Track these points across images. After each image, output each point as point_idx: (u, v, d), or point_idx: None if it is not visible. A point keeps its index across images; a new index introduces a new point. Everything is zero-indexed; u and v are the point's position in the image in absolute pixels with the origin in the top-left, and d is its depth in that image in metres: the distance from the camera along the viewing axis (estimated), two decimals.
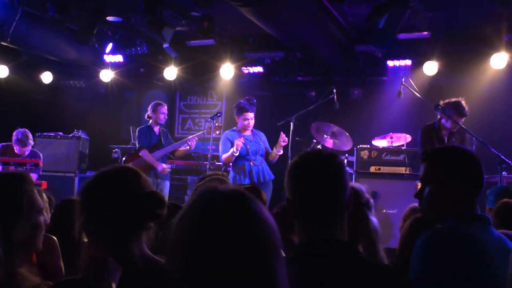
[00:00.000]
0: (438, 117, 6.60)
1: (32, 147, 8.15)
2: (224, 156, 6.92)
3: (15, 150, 7.86)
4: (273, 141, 7.18)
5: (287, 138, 6.84)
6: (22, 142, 7.80)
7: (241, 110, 7.01)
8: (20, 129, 7.88)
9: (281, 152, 6.92)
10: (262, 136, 7.22)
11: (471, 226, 2.38)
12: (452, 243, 2.33)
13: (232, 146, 6.86)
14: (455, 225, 2.44)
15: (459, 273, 2.23)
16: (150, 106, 7.87)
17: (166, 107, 7.90)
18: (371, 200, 3.04)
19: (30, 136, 7.93)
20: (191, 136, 7.65)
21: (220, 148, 7.04)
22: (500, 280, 2.22)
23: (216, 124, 7.39)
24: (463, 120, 6.42)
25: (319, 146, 7.69)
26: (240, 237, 1.30)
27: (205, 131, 7.52)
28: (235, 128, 7.14)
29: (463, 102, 6.39)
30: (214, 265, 1.28)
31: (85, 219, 1.93)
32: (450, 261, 2.27)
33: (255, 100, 7.15)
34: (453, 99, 6.45)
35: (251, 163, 6.94)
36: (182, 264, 1.32)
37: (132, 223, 1.90)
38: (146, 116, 7.88)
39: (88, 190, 1.95)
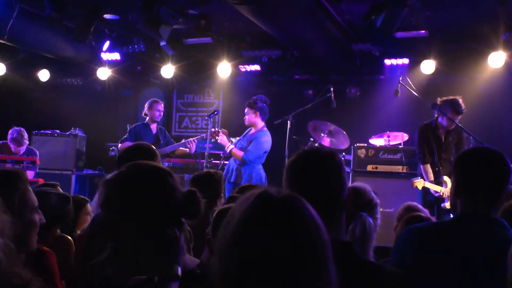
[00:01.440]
0: (435, 115, 6.61)
1: (28, 145, 8.12)
2: None
3: (12, 149, 7.85)
4: (272, 140, 7.22)
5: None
6: (17, 142, 7.79)
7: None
8: (15, 128, 7.86)
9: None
10: (256, 136, 7.19)
11: (455, 225, 2.38)
12: (414, 238, 2.37)
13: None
14: (442, 222, 2.47)
15: (417, 266, 2.29)
16: (146, 103, 7.88)
17: (162, 104, 7.90)
18: (376, 200, 3.02)
19: (26, 135, 7.91)
20: (190, 139, 7.62)
21: None
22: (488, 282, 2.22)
23: (213, 129, 7.38)
24: (459, 118, 6.43)
25: (316, 145, 7.68)
26: (296, 241, 1.31)
27: (204, 135, 7.50)
28: None
29: (460, 100, 6.40)
30: (267, 269, 1.29)
31: (116, 219, 1.86)
32: (410, 254, 2.34)
33: (265, 98, 7.29)
34: (450, 97, 6.46)
35: (232, 158, 7.18)
36: (233, 268, 1.33)
37: (170, 222, 1.86)
38: (143, 114, 7.89)
39: (128, 187, 1.87)
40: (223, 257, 1.37)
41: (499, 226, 2.35)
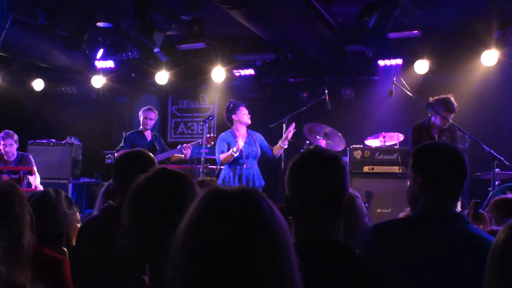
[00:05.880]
0: (429, 115, 6.62)
1: (19, 150, 7.94)
2: (222, 156, 6.86)
3: (1, 151, 7.65)
4: (268, 143, 7.22)
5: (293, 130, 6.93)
6: (3, 138, 7.57)
7: (235, 106, 7.05)
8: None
9: (286, 146, 6.95)
10: (258, 137, 7.20)
11: (410, 222, 2.40)
12: (372, 236, 2.38)
13: (228, 147, 6.87)
14: (404, 219, 2.46)
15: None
16: (140, 111, 7.91)
17: (154, 113, 7.87)
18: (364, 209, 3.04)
19: (16, 136, 7.69)
20: (185, 145, 7.59)
21: (216, 149, 7.00)
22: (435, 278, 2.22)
23: (209, 135, 7.35)
24: (452, 116, 6.43)
25: (311, 147, 7.68)
26: (248, 239, 1.24)
27: (200, 140, 7.48)
28: (230, 130, 7.12)
29: (452, 98, 6.41)
30: (218, 270, 1.23)
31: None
32: (372, 253, 2.35)
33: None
34: (442, 96, 6.48)
35: (244, 166, 6.95)
36: (183, 270, 1.27)
37: None
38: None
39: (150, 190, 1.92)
40: (172, 262, 1.30)
41: (458, 220, 2.36)
